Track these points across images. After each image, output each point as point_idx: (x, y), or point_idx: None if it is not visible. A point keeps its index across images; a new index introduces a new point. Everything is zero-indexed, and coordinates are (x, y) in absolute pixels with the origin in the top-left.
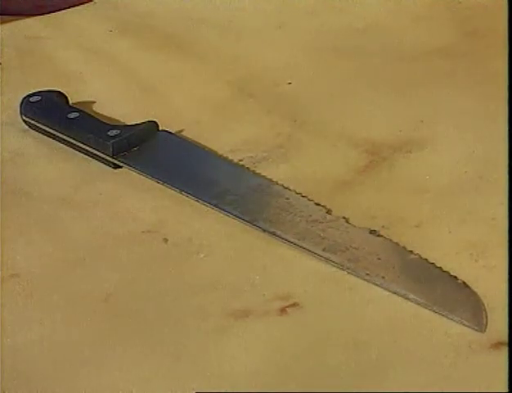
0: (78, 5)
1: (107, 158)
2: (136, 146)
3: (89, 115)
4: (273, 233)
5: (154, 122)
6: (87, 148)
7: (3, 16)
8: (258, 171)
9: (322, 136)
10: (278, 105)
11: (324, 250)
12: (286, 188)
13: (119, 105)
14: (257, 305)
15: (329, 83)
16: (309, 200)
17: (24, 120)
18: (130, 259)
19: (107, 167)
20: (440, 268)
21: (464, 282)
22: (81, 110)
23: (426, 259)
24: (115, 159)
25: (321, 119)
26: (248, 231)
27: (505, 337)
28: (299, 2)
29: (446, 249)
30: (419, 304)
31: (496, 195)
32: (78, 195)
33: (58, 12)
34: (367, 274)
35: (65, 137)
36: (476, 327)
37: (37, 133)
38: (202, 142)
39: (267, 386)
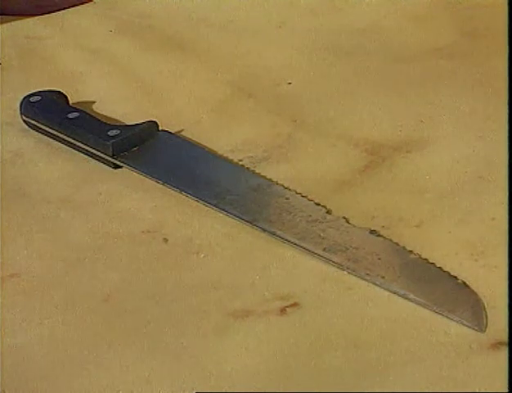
0: (78, 5)
1: (107, 158)
2: (136, 146)
3: (89, 115)
4: (273, 233)
5: (155, 122)
6: (87, 148)
7: (3, 16)
8: (257, 171)
9: (322, 136)
10: (278, 105)
11: (324, 250)
12: (286, 188)
13: (119, 105)
14: (257, 305)
15: (329, 83)
16: (309, 200)
17: (24, 120)
18: (130, 259)
19: (107, 167)
20: (440, 268)
21: (464, 282)
22: (81, 110)
23: (426, 259)
24: (115, 159)
25: (320, 119)
26: (248, 231)
27: (505, 337)
28: (299, 1)
29: (446, 249)
30: (419, 304)
31: (496, 195)
32: (78, 195)
33: (58, 12)
34: (367, 274)
35: (65, 137)
36: (476, 327)
37: (37, 133)
38: (202, 142)
39: (267, 386)
